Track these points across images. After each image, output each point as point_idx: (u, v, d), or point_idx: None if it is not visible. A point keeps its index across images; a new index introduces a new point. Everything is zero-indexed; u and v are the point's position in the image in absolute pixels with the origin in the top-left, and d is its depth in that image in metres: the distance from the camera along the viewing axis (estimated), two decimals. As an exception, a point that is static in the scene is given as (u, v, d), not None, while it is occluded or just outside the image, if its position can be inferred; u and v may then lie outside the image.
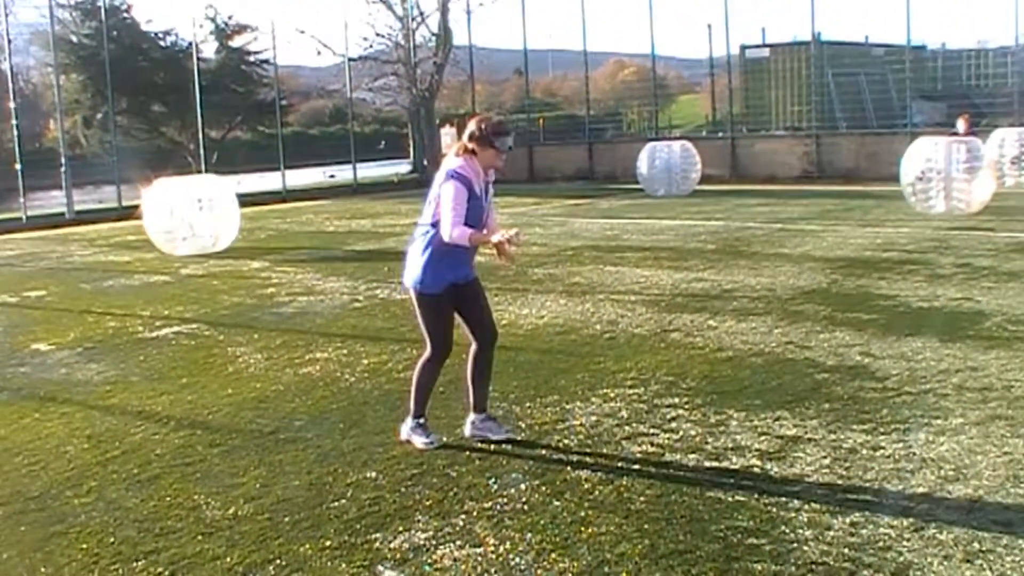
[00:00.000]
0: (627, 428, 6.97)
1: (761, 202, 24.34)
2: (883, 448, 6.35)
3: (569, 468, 6.26)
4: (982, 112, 32.43)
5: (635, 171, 28.46)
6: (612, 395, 7.78)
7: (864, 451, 6.32)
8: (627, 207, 24.73)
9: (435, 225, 6.50)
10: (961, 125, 23.03)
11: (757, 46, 38.18)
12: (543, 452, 6.58)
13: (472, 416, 6.92)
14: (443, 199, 6.43)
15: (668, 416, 7.17)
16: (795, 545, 5.01)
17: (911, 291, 11.54)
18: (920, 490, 5.67)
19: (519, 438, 6.86)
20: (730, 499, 5.64)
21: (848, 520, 5.29)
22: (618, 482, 5.99)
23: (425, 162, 41.08)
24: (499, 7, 44.96)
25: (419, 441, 6.78)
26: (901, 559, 4.83)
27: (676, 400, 7.55)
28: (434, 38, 41.33)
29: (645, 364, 8.68)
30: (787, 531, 5.18)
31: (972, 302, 10.80)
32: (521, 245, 6.33)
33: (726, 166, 33.15)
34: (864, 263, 13.80)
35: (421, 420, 6.86)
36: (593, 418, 7.23)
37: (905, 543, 5.00)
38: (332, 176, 41.38)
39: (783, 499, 5.61)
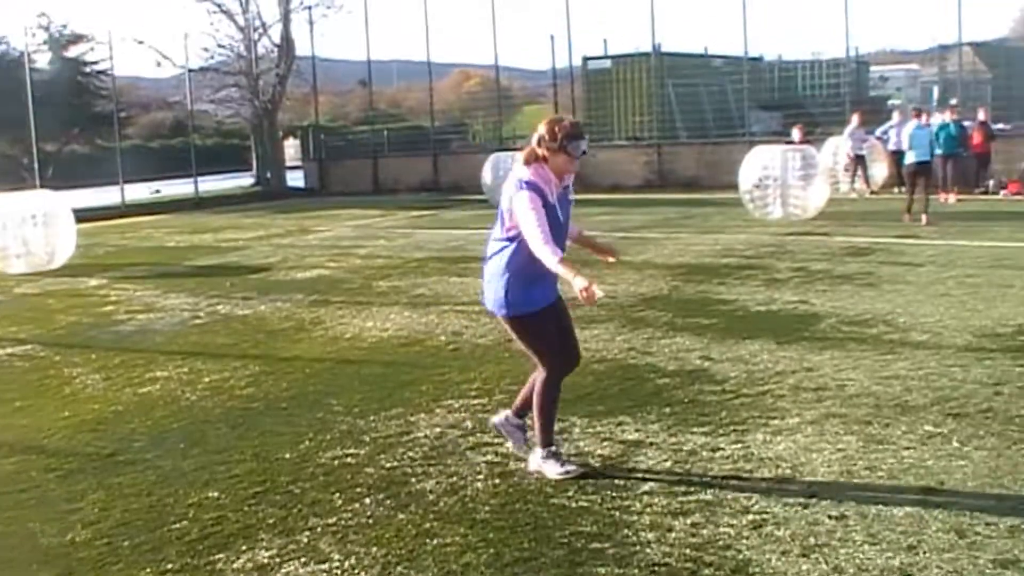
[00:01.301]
0: (471, 438, 6.98)
1: (604, 211, 24.66)
2: (722, 449, 6.49)
3: (414, 480, 6.24)
4: (817, 121, 33.35)
5: (480, 182, 28.56)
6: (457, 406, 7.78)
7: (704, 452, 6.45)
8: (472, 218, 24.80)
9: (511, 240, 5.95)
10: (796, 134, 23.67)
11: (599, 57, 38.59)
12: (388, 465, 6.55)
13: (508, 412, 6.54)
14: (519, 212, 5.83)
15: (512, 425, 7.21)
16: (638, 548, 5.09)
17: (749, 295, 11.81)
18: (759, 489, 5.81)
19: (362, 452, 6.81)
20: (574, 505, 5.69)
21: (689, 521, 5.39)
22: (463, 492, 5.99)
23: (268, 175, 40.60)
24: (342, 18, 44.74)
25: (553, 471, 6.16)
26: (740, 556, 4.94)
27: (520, 409, 7.59)
28: (276, 49, 40.82)
29: (489, 374, 8.72)
30: (630, 534, 5.25)
31: (807, 305, 11.11)
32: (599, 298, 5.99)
33: (570, 176, 33.45)
34: (704, 269, 14.08)
35: (552, 448, 6.24)
36: (437, 429, 7.22)
37: (744, 541, 5.12)
38: (157, 191, 40.10)
39: (626, 503, 5.69)
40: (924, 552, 4.93)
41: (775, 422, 6.99)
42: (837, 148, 26.90)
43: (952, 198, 23.29)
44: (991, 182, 26.31)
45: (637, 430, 6.97)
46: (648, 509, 5.58)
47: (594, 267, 14.60)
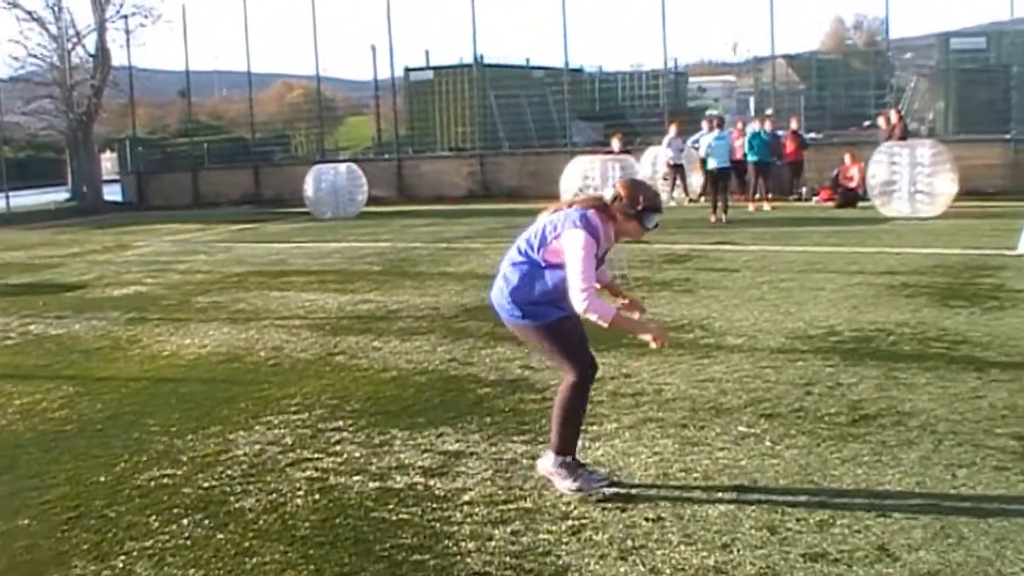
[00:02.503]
0: (291, 454, 6.89)
1: (428, 222, 24.69)
2: (542, 457, 6.53)
3: (233, 499, 6.13)
4: (637, 132, 34.03)
5: (303, 194, 28.33)
6: (276, 422, 7.67)
7: (524, 461, 6.50)
8: (294, 231, 24.57)
9: (544, 267, 5.64)
10: (616, 144, 24.11)
11: (421, 68, 38.67)
12: (206, 485, 6.41)
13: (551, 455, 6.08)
14: (569, 249, 5.49)
15: (333, 440, 7.14)
16: (459, 558, 5.09)
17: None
18: (577, 495, 5.87)
19: (180, 472, 6.67)
20: (394, 518, 5.66)
21: (509, 529, 5.42)
22: (283, 510, 5.91)
23: (84, 189, 39.45)
24: (160, 28, 43.83)
25: (565, 484, 5.86)
26: (560, 562, 4.99)
27: (340, 423, 7.53)
28: (91, 59, 39.69)
29: (310, 389, 8.62)
30: (451, 545, 5.25)
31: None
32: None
33: (393, 187, 33.51)
34: (526, 278, 14.17)
35: (568, 458, 5.90)
36: (257, 447, 7.10)
37: (564, 546, 5.17)
38: None
39: (447, 514, 5.68)
40: (738, 550, 5.05)
41: (593, 428, 7.07)
42: (656, 157, 27.48)
43: (767, 205, 24.02)
44: (804, 189, 27.22)
45: (458, 440, 6.98)
46: (469, 519, 5.59)
47: (415, 278, 14.65)
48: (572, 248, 5.49)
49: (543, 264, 5.65)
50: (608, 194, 5.75)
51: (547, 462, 5.97)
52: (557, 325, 5.73)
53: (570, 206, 5.77)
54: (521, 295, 5.71)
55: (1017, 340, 9.34)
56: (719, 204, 21.59)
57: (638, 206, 5.66)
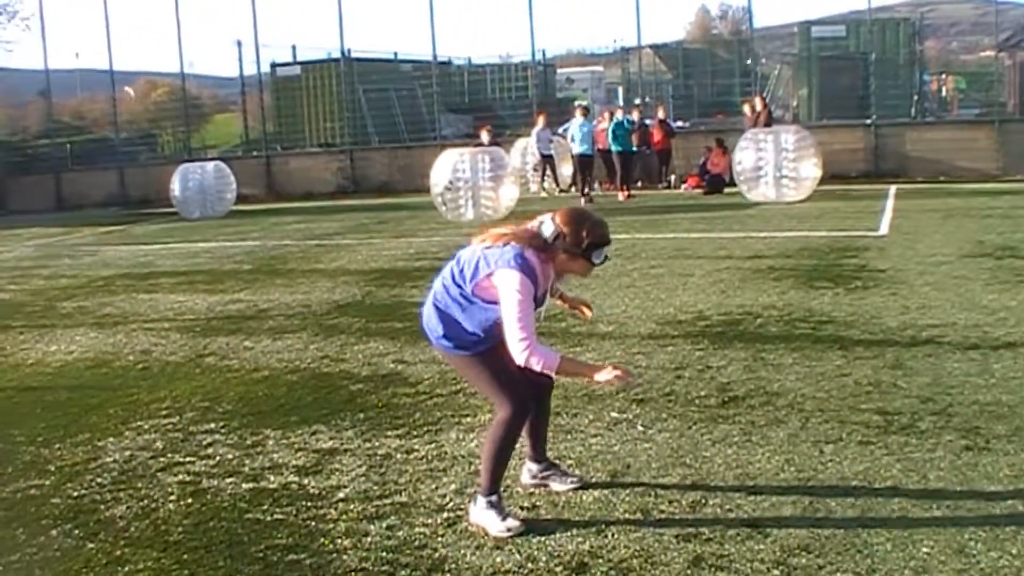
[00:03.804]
0: (162, 459, 6.77)
1: (298, 219, 24.50)
2: (416, 451, 6.54)
3: (103, 507, 6.00)
4: (506, 123, 34.14)
5: (170, 194, 27.88)
6: (146, 427, 7.53)
7: (399, 455, 6.48)
8: (162, 231, 24.16)
9: (476, 302, 5.16)
10: (485, 136, 24.21)
11: (288, 64, 38.24)
12: (75, 494, 6.25)
13: (530, 465, 5.86)
14: (504, 293, 5.00)
15: (204, 442, 7.03)
16: (334, 555, 5.06)
17: (442, 297, 11.94)
18: (452, 487, 5.88)
19: (47, 482, 6.51)
20: (269, 519, 5.60)
21: (385, 524, 5.40)
22: (154, 516, 5.80)
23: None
24: (15, 26, 42.68)
25: (496, 527, 5.25)
26: (436, 555, 4.99)
27: (212, 425, 7.42)
28: (-61, 60, 38.52)
29: (180, 392, 8.48)
30: (326, 543, 5.21)
31: (498, 303, 11.32)
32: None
33: (262, 185, 33.19)
34: (397, 273, 14.18)
35: (496, 498, 5.36)
36: (127, 453, 6.96)
37: (440, 539, 5.17)
38: None
39: (322, 512, 5.64)
40: (612, 534, 5.11)
41: (468, 420, 7.10)
42: (526, 149, 27.63)
43: (621, 196, 24.44)
44: (673, 177, 27.61)
45: (332, 438, 6.93)
46: (344, 516, 5.56)
47: (285, 276, 14.52)
48: (507, 292, 4.99)
49: (474, 299, 5.17)
50: (548, 230, 5.14)
51: (478, 509, 5.38)
52: (491, 354, 5.26)
53: (507, 241, 5.13)
54: (451, 325, 5.27)
55: (880, 318, 9.60)
56: (584, 188, 23.73)
57: (582, 243, 5.11)
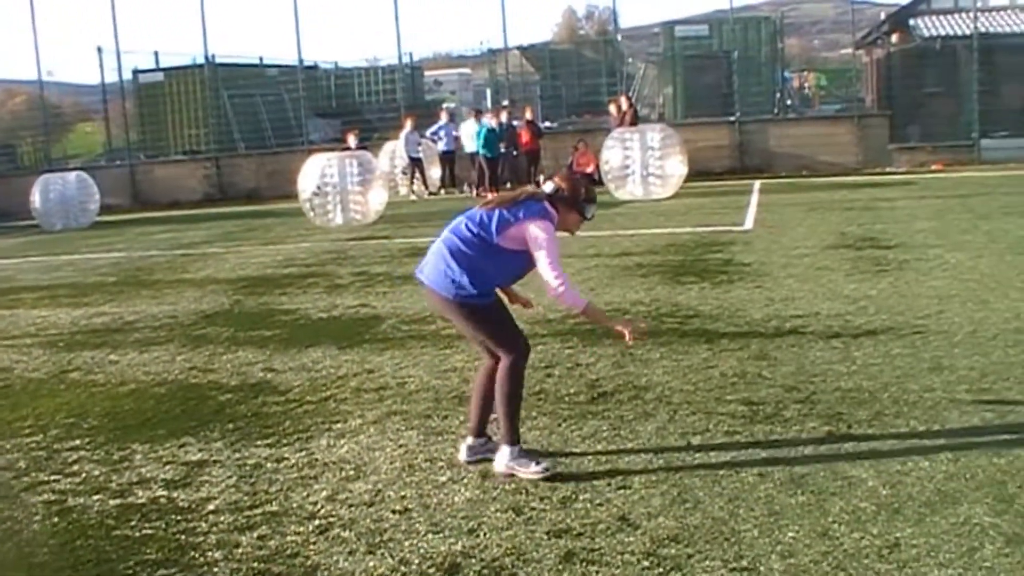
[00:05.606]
0: (26, 479, 6.59)
1: (164, 228, 24.12)
2: (287, 459, 6.49)
3: (-37, 529, 5.86)
4: (375, 127, 34.00)
5: (30, 206, 27.20)
6: (8, 446, 7.32)
7: (269, 464, 6.43)
8: (22, 245, 23.54)
9: (501, 251, 5.74)
10: (352, 140, 24.08)
11: (151, 70, 37.50)
12: (-68, 516, 6.10)
13: (470, 439, 6.24)
14: (540, 241, 5.67)
15: (70, 459, 6.87)
16: (206, 568, 5.00)
17: (311, 303, 11.88)
18: (323, 494, 5.85)
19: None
20: (138, 534, 5.51)
21: (256, 534, 5.35)
22: (18, 537, 5.65)
23: None
24: None
25: (529, 471, 5.83)
26: (309, 562, 4.96)
27: (77, 442, 7.24)
28: None
29: (43, 409, 8.27)
30: (197, 556, 5.15)
31: (368, 308, 11.31)
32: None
33: (127, 194, 32.61)
34: (266, 281, 14.04)
35: (523, 446, 6.02)
36: (-12, 473, 6.80)
37: (312, 546, 5.14)
38: None
39: (192, 525, 5.57)
40: (484, 533, 5.14)
41: (338, 426, 7.07)
42: (394, 152, 27.58)
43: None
44: (542, 178, 27.75)
45: (200, 450, 6.84)
46: (214, 528, 5.49)
47: (152, 287, 14.28)
48: (541, 238, 5.67)
49: (499, 248, 5.75)
50: (549, 187, 5.92)
51: (503, 458, 5.94)
52: (495, 305, 5.94)
53: (516, 199, 5.87)
54: (473, 273, 5.75)
55: (745, 310, 9.80)
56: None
57: (580, 197, 5.89)
